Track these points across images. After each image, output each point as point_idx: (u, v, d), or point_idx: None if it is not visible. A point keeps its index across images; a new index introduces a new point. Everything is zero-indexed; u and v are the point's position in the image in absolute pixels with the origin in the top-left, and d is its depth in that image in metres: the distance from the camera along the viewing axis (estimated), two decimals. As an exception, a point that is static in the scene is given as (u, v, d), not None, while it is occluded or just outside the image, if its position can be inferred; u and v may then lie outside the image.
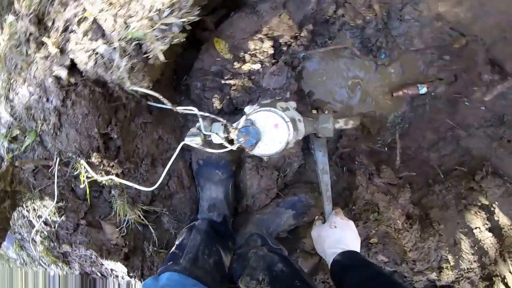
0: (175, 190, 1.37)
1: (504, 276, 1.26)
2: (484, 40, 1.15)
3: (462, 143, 1.31)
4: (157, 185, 1.01)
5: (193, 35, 1.25)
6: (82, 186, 1.10)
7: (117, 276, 1.25)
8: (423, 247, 1.24)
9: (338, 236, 1.05)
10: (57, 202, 1.15)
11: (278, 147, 0.93)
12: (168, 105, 1.00)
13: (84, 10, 0.87)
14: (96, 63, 0.79)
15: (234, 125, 0.99)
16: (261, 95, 1.23)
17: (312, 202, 1.33)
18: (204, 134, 1.05)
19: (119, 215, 1.21)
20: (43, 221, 1.14)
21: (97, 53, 0.78)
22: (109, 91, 1.08)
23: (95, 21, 0.82)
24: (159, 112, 1.28)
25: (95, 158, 1.09)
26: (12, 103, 1.02)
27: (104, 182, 1.13)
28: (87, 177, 1.11)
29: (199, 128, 1.07)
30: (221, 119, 1.00)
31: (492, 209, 1.25)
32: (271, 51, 1.19)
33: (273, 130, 0.93)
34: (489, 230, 1.26)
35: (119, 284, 1.26)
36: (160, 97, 0.95)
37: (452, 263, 1.24)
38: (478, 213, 1.25)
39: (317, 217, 1.22)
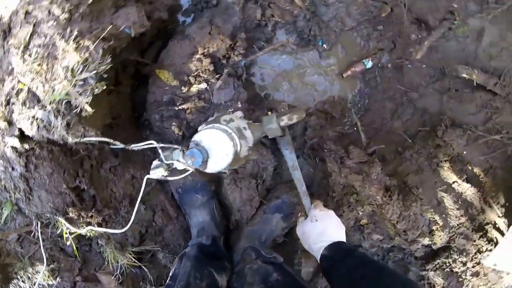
0: (163, 224, 1.40)
1: (495, 222, 1.27)
2: (404, 1, 1.20)
3: (418, 104, 1.34)
4: (128, 225, 1.05)
5: (137, 72, 1.30)
6: (68, 243, 1.13)
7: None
8: (409, 215, 1.26)
9: (320, 229, 1.07)
10: (48, 265, 1.18)
11: (227, 160, 0.96)
12: (121, 146, 1.04)
13: (19, 82, 0.92)
14: (38, 127, 0.84)
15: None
16: (215, 111, 1.28)
17: (295, 200, 1.35)
18: (166, 164, 1.09)
19: (112, 262, 1.24)
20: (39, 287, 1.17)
21: (37, 119, 0.83)
22: (68, 147, 1.13)
23: (29, 90, 0.88)
24: (125, 153, 1.32)
25: (72, 213, 1.13)
26: (-17, 180, 1.07)
27: (89, 234, 1.17)
28: (70, 233, 1.15)
29: (160, 160, 1.11)
30: (176, 146, 1.04)
31: (463, 159, 1.27)
32: (211, 67, 1.24)
33: (218, 145, 0.97)
34: (467, 181, 1.28)
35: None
36: (111, 140, 1.00)
37: (441, 224, 1.26)
38: (451, 168, 1.27)
39: (299, 214, 1.24)
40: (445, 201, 1.28)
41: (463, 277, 1.27)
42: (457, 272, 1.28)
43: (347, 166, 1.31)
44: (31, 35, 0.81)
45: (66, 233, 1.16)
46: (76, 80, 0.74)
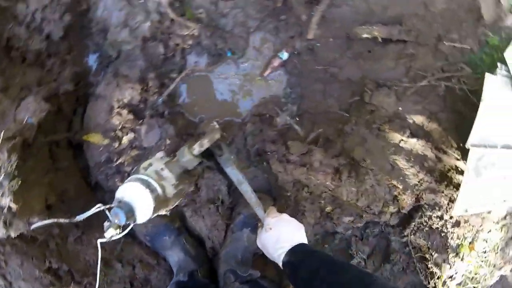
0: (147, 274, 1.43)
1: (455, 166, 1.23)
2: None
3: (340, 77, 1.34)
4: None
5: (69, 142, 1.36)
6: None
7: None
8: (366, 189, 1.24)
9: (275, 236, 1.07)
10: None
11: (151, 208, 0.98)
12: (66, 220, 1.08)
13: None
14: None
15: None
16: (151, 154, 1.31)
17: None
18: (115, 224, 1.12)
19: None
20: None
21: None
22: (27, 236, 1.19)
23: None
24: (85, 221, 1.37)
25: (54, 292, 1.19)
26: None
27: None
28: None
29: (109, 220, 1.15)
30: (112, 205, 1.07)
31: (400, 116, 1.24)
32: (132, 116, 1.29)
33: (137, 197, 0.99)
34: (412, 135, 1.25)
35: None
36: (52, 220, 1.04)
37: (401, 187, 1.22)
38: (392, 128, 1.25)
39: (259, 225, 1.24)
40: (398, 163, 1.24)
41: (445, 230, 1.23)
42: (437, 228, 1.24)
43: (291, 162, 1.30)
44: None
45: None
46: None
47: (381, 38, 1.20)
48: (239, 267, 1.29)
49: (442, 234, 1.22)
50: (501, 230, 1.22)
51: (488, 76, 1.08)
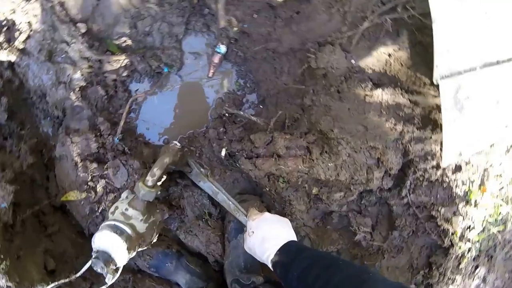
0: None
1: (436, 105, 1.04)
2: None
3: (281, 49, 1.23)
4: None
5: (54, 206, 1.42)
6: None
7: None
8: (344, 161, 1.13)
9: (259, 239, 1.03)
10: None
11: (125, 249, 0.99)
12: (66, 280, 1.13)
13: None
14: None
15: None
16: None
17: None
18: (111, 269, 1.15)
19: None
20: None
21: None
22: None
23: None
24: (90, 271, 1.42)
25: None
26: None
27: None
28: None
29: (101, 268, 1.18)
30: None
31: (355, 70, 1.08)
32: (96, 164, 1.30)
33: (110, 243, 1.00)
34: (376, 86, 1.09)
35: None
36: (53, 285, 1.10)
37: (380, 147, 1.09)
38: (351, 84, 1.10)
39: (244, 229, 1.20)
40: (370, 122, 1.10)
41: (446, 180, 1.07)
42: (436, 180, 1.08)
43: (260, 156, 1.22)
44: None
45: None
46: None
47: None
48: (242, 275, 1.27)
49: (444, 185, 1.05)
50: (514, 158, 1.02)
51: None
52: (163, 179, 1.16)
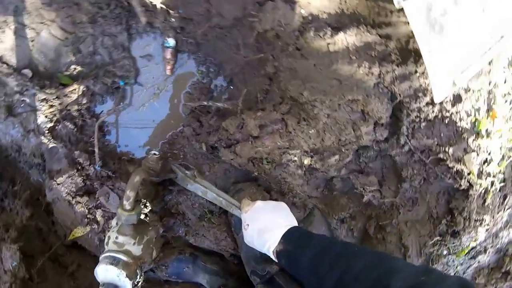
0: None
1: (411, 31, 0.87)
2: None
3: (226, 22, 1.11)
4: None
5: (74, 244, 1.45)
6: None
7: None
8: (324, 123, 1.01)
9: (255, 231, 0.98)
10: None
11: (125, 277, 0.97)
12: None
13: None
14: None
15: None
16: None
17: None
18: None
19: None
20: None
21: None
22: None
23: None
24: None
25: None
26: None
27: None
28: None
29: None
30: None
31: (308, 17, 0.95)
32: (87, 197, 1.30)
33: (112, 274, 0.98)
34: (336, 31, 0.97)
35: None
36: None
37: (360, 97, 0.95)
38: (309, 35, 0.96)
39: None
40: (341, 73, 0.96)
41: (447, 115, 0.93)
42: (435, 117, 0.94)
43: (239, 141, 1.12)
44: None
45: None
46: None
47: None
48: (258, 266, 1.22)
49: (446, 121, 0.90)
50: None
51: None
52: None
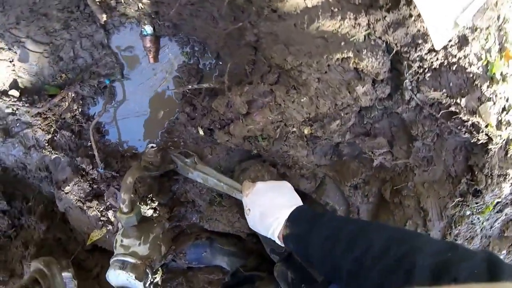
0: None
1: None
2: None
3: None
4: None
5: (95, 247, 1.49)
6: None
7: None
8: (316, 88, 0.93)
9: (257, 215, 0.94)
10: None
11: (134, 279, 0.98)
12: None
13: None
14: None
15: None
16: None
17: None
18: None
19: None
20: None
21: None
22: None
23: None
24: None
25: None
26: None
27: None
28: None
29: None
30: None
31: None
32: (96, 201, 1.31)
33: (122, 278, 1.00)
34: None
35: None
36: None
37: (351, 54, 0.87)
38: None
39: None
40: (325, 30, 0.86)
41: (453, 61, 0.81)
42: (441, 65, 0.83)
43: (233, 120, 1.07)
44: None
45: None
46: None
47: None
48: (275, 244, 1.19)
49: (454, 68, 0.78)
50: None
51: None
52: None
